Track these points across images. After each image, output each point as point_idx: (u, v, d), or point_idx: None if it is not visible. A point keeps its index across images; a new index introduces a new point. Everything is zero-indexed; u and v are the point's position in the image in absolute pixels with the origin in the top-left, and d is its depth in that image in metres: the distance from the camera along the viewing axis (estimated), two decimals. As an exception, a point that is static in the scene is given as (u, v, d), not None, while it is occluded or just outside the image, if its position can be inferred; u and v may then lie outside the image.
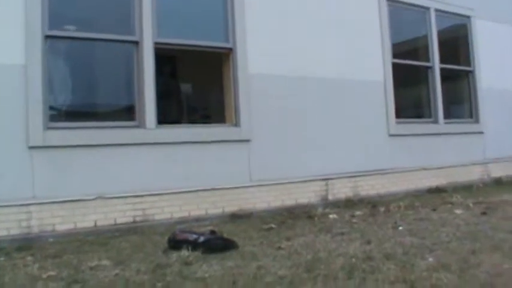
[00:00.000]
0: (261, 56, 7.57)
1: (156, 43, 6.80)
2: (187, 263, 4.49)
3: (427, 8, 10.03)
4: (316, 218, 6.81)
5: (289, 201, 7.66)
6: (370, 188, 8.61)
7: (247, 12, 7.55)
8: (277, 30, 7.81)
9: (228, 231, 5.90)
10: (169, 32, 7.00)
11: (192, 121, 8.77)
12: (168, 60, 8.61)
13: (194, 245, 4.92)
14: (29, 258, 4.93)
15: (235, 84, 7.43)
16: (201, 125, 7.94)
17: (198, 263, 4.50)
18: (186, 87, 10.07)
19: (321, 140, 8.08)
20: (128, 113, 6.87)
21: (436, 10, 10.09)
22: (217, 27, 7.54)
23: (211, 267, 4.35)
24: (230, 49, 7.46)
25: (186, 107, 9.59)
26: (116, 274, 4.21)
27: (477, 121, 10.62)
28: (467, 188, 9.48)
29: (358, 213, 7.11)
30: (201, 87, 10.00)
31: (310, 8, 8.23)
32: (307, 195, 7.88)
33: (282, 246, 5.09)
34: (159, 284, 3.86)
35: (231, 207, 7.11)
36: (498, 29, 11.01)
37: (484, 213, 6.60)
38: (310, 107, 8.05)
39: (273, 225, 6.35)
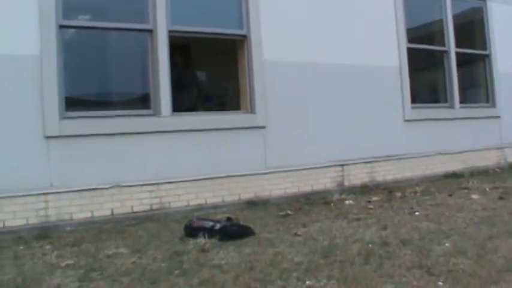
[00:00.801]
0: (276, 42, 7.53)
1: (170, 31, 6.79)
2: (204, 250, 4.51)
3: (443, -8, 9.91)
4: (332, 204, 6.83)
5: (305, 188, 7.67)
6: (386, 173, 8.59)
7: (261, -2, 7.52)
8: (292, 17, 7.75)
9: (244, 218, 5.92)
10: (183, 19, 6.98)
11: (207, 108, 8.77)
12: (182, 48, 8.61)
13: (211, 232, 4.93)
14: (48, 246, 4.99)
15: (250, 71, 7.41)
16: (217, 112, 7.93)
17: (215, 250, 4.53)
18: (200, 75, 10.07)
19: (337, 126, 8.06)
20: (143, 101, 6.88)
21: (452, -6, 9.98)
22: (231, 14, 7.51)
23: (228, 254, 4.37)
24: (244, 36, 7.43)
25: (201, 95, 9.59)
26: (133, 262, 4.25)
27: (494, 105, 10.50)
28: (483, 173, 9.43)
29: (374, 198, 7.10)
30: (215, 74, 9.99)
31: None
32: (323, 181, 7.88)
33: (299, 232, 5.10)
34: (176, 272, 3.88)
35: (247, 194, 7.14)
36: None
37: (501, 198, 6.56)
38: (327, 93, 8.01)
39: (289, 212, 6.36)
